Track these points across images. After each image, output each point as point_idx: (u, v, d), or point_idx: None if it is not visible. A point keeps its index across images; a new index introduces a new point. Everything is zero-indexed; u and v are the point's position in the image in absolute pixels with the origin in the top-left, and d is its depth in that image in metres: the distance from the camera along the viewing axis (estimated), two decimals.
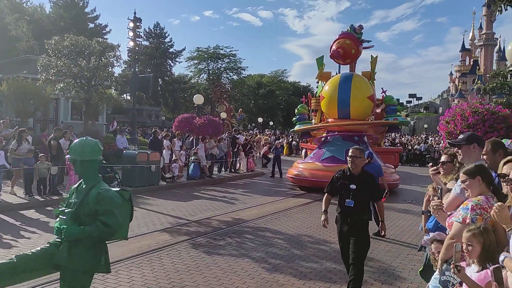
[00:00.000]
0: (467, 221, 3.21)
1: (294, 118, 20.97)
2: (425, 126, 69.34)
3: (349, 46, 18.19)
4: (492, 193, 3.34)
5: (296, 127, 20.38)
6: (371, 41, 20.21)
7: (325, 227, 5.64)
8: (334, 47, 18.21)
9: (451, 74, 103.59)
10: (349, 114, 17.69)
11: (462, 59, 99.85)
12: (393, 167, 18.18)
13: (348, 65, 19.78)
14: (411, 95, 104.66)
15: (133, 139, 22.31)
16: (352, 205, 5.33)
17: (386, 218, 10.73)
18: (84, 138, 3.99)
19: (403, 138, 41.78)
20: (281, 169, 21.11)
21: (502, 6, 3.10)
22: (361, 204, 5.40)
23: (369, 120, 20.02)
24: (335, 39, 18.59)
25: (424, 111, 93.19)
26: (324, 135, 19.25)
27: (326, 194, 5.71)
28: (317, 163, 16.88)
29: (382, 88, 22.53)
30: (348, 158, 5.47)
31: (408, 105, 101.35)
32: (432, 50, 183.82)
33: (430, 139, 38.94)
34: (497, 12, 3.28)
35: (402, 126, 44.50)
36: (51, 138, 13.34)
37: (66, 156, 12.73)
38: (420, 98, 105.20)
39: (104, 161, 14.43)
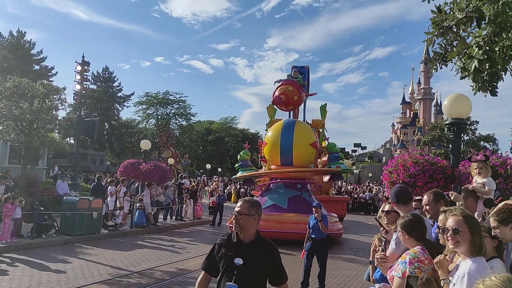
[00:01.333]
0: (407, 275, 3.22)
1: (236, 165, 20.08)
2: (370, 175, 71.42)
3: (292, 92, 18.03)
4: (424, 245, 3.39)
5: (238, 174, 19.33)
6: (304, 79, 20.17)
7: None
8: (276, 93, 18.12)
9: (393, 125, 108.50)
10: (292, 161, 17.32)
11: (403, 111, 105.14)
12: (336, 216, 17.75)
13: (299, 112, 19.97)
14: (356, 145, 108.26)
15: (75, 184, 21.47)
16: None
17: (332, 267, 10.76)
18: None
19: (349, 187, 42.63)
20: (222, 217, 20.85)
21: (438, 64, 3.29)
22: None
23: (318, 167, 20.13)
24: (278, 85, 18.46)
25: (369, 160, 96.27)
26: (267, 182, 18.94)
27: (202, 272, 3.64)
28: None
29: (325, 136, 22.85)
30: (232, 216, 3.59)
31: (354, 154, 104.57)
32: (375, 102, 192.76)
33: (375, 188, 39.95)
34: (433, 71, 3.48)
35: (348, 174, 45.67)
36: None
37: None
38: (365, 148, 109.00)
39: (42, 208, 13.58)
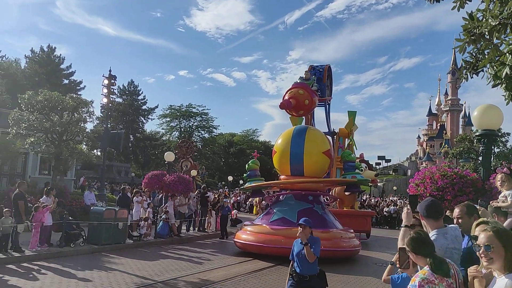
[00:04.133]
0: None
1: (244, 175, 18.20)
2: (394, 188, 70.33)
3: (302, 96, 16.04)
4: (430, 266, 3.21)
5: (246, 184, 17.57)
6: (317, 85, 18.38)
7: None
8: (286, 97, 16.27)
9: (419, 137, 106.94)
10: (303, 171, 15.74)
11: (429, 123, 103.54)
12: (352, 230, 16.39)
13: (313, 118, 19.16)
14: (380, 157, 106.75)
15: (101, 195, 21.83)
16: None
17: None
18: None
19: (372, 200, 42.05)
20: (227, 231, 19.84)
21: (468, 74, 3.25)
22: None
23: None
24: (288, 89, 16.62)
25: (393, 173, 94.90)
26: (277, 192, 17.62)
27: None
28: (265, 225, 15.04)
29: (339, 143, 21.93)
30: None
31: (378, 167, 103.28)
32: (400, 113, 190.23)
33: (399, 201, 39.34)
34: (463, 80, 3.43)
35: (371, 187, 44.64)
36: (16, 195, 12.80)
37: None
38: (389, 160, 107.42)
39: (70, 218, 13.89)
